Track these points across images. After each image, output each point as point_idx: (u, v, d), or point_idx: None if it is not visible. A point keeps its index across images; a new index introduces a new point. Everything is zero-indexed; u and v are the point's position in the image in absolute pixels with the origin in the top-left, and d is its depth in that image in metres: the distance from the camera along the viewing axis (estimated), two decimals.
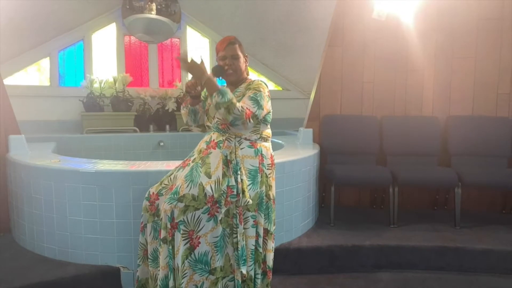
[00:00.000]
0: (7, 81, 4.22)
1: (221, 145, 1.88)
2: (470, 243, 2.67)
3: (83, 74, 4.68)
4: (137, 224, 2.13)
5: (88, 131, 4.28)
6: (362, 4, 3.47)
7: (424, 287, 2.42)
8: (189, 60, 1.81)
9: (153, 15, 4.68)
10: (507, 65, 3.44)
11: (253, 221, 1.87)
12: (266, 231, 1.95)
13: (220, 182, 1.80)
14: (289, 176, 2.61)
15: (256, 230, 1.89)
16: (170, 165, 2.31)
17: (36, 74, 4.57)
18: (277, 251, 2.12)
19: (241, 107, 1.78)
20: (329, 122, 3.54)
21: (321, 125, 3.56)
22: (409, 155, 3.40)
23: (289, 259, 2.54)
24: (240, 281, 1.84)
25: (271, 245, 1.98)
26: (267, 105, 1.92)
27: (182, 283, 1.75)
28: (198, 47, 5.19)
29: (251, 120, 1.82)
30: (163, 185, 1.95)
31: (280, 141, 3.54)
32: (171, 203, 1.75)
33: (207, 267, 1.79)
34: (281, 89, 5.48)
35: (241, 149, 1.88)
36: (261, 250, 1.93)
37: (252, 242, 1.87)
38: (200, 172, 1.82)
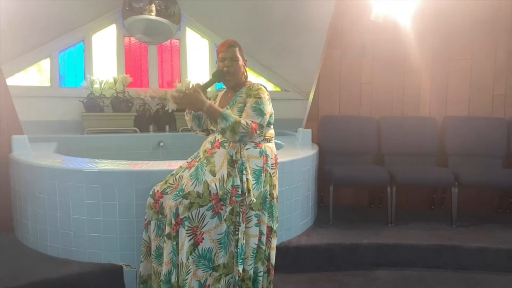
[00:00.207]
0: (8, 81, 4.23)
1: (225, 145, 1.92)
2: (466, 242, 2.72)
3: (83, 74, 4.70)
4: (139, 222, 2.16)
5: (89, 131, 4.30)
6: (360, 6, 3.52)
7: (422, 285, 2.47)
8: (184, 91, 1.85)
9: (152, 16, 4.70)
10: (502, 67, 3.49)
11: (257, 220, 1.91)
12: (270, 229, 2.00)
13: (225, 180, 1.84)
14: (289, 176, 2.65)
15: (260, 228, 1.93)
16: (172, 164, 2.34)
17: (37, 74, 4.59)
18: (277, 249, 2.15)
19: (246, 123, 1.82)
20: (327, 122, 3.58)
21: (320, 125, 3.60)
22: (406, 155, 3.45)
23: (289, 257, 2.57)
24: (237, 278, 1.87)
25: (274, 242, 2.02)
26: (269, 108, 1.97)
27: (187, 279, 1.78)
28: (198, 47, 5.23)
29: (258, 131, 1.88)
30: (168, 184, 1.99)
31: (280, 141, 3.58)
32: (176, 200, 1.79)
33: (210, 264, 1.83)
34: (279, 90, 5.52)
35: (246, 149, 1.92)
36: (264, 248, 1.97)
37: (254, 241, 1.91)
38: (205, 170, 1.86)
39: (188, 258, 1.79)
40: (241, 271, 1.87)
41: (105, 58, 4.82)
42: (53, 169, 2.35)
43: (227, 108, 1.98)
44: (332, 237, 2.74)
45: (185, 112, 2.12)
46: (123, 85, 4.50)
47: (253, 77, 5.36)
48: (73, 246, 2.32)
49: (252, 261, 1.92)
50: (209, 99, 2.11)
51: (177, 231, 1.79)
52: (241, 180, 1.86)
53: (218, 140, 1.96)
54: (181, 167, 2.06)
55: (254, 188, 1.89)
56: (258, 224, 1.92)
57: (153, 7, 4.71)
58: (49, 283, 2.11)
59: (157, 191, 1.97)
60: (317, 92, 3.64)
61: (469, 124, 3.47)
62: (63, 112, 4.54)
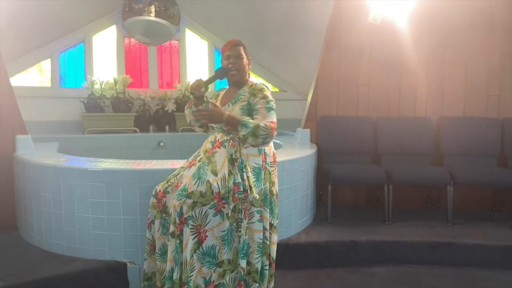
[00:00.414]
0: None
1: (226, 144, 1.97)
2: (461, 239, 2.78)
3: (84, 75, 4.73)
4: (143, 220, 2.21)
5: (89, 131, 4.34)
6: (358, 8, 3.57)
7: (418, 280, 2.53)
8: (204, 107, 1.93)
9: (152, 17, 4.74)
10: (496, 69, 3.56)
11: (259, 216, 1.97)
12: (271, 225, 2.05)
13: (226, 179, 1.89)
14: (288, 175, 2.70)
15: (263, 224, 1.98)
16: (174, 163, 2.38)
17: (37, 75, 4.62)
18: (277, 246, 2.20)
19: (265, 125, 1.88)
20: (326, 123, 3.64)
21: (318, 125, 3.66)
22: (403, 154, 3.51)
23: (289, 254, 2.62)
24: (242, 273, 1.92)
25: (275, 238, 2.08)
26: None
27: (192, 275, 1.83)
28: (197, 48, 5.27)
29: (276, 130, 1.94)
30: (169, 183, 2.03)
31: (279, 141, 3.62)
32: (180, 199, 1.83)
33: (214, 260, 1.88)
34: (278, 90, 5.57)
35: (245, 148, 1.98)
36: (268, 243, 2.02)
37: (259, 235, 1.96)
38: (207, 170, 1.91)
39: (192, 256, 1.83)
40: (243, 266, 1.92)
41: (105, 58, 4.86)
42: (58, 168, 2.39)
43: (229, 105, 2.03)
44: (331, 235, 2.80)
45: (186, 106, 2.16)
46: (123, 85, 4.54)
47: (252, 78, 5.39)
48: (78, 244, 2.36)
49: (259, 255, 1.97)
50: (210, 98, 2.16)
51: (181, 230, 1.84)
52: (242, 178, 1.91)
53: (218, 140, 2.01)
54: (182, 167, 2.11)
55: (254, 185, 1.95)
56: (261, 220, 1.97)
57: (153, 8, 4.75)
58: (54, 280, 2.14)
59: (159, 190, 2.02)
60: (315, 92, 3.70)
61: (464, 124, 3.54)
62: (63, 112, 4.57)
